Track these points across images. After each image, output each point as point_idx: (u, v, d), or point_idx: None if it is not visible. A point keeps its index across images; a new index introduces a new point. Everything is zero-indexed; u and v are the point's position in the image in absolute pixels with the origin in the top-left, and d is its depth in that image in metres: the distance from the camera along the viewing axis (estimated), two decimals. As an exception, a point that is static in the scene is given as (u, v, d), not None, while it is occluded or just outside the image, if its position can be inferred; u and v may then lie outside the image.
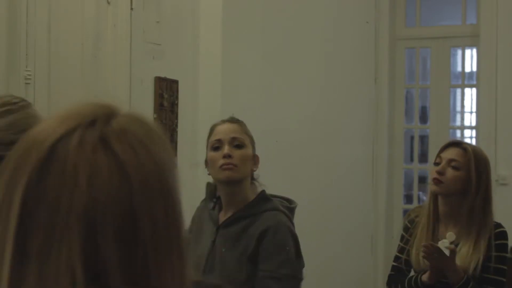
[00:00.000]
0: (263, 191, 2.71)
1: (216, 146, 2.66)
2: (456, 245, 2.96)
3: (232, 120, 2.72)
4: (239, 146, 2.65)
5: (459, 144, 3.07)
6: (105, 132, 0.83)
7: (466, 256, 2.92)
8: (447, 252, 2.85)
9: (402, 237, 3.15)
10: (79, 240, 0.78)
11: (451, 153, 3.02)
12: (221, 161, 2.61)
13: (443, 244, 2.88)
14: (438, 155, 3.06)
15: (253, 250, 2.57)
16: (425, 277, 2.94)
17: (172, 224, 0.84)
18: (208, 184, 2.81)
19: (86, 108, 0.86)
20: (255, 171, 2.72)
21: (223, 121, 2.73)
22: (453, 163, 2.99)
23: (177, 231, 0.85)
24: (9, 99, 1.84)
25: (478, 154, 3.01)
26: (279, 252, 2.56)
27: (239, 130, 2.68)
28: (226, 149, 2.62)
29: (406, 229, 3.15)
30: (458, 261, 2.91)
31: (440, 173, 2.99)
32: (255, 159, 2.70)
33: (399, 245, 3.17)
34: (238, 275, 2.58)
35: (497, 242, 2.95)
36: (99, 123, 0.84)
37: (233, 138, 2.65)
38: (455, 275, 2.89)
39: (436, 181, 2.99)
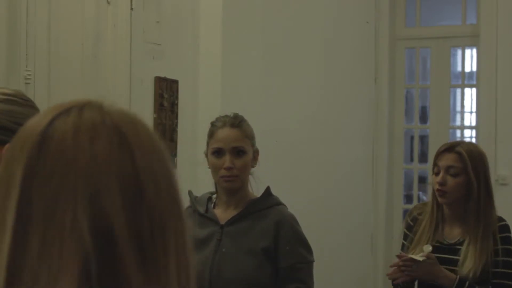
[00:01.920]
0: (268, 188, 2.77)
1: (217, 152, 2.68)
2: (461, 243, 2.97)
3: (233, 124, 2.71)
4: (240, 153, 2.67)
5: (452, 149, 3.03)
6: (102, 108, 0.85)
7: (475, 253, 2.93)
8: (420, 258, 2.87)
9: (406, 235, 3.15)
10: (84, 200, 0.79)
11: (446, 160, 3.01)
12: (223, 172, 2.66)
13: (417, 257, 2.91)
14: (435, 164, 3.05)
15: (269, 244, 2.64)
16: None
17: (174, 201, 0.85)
18: (190, 192, 2.85)
19: (78, 98, 0.89)
20: (254, 167, 2.74)
21: (224, 123, 2.72)
22: (451, 171, 2.99)
23: (178, 213, 0.85)
24: (20, 94, 1.87)
25: (472, 155, 3.00)
26: (300, 244, 2.69)
27: (240, 137, 2.69)
28: (227, 161, 2.65)
29: (409, 227, 3.15)
30: (470, 260, 2.92)
31: (442, 183, 2.99)
32: (255, 155, 2.73)
33: (403, 243, 3.17)
34: (250, 271, 2.62)
35: (501, 235, 2.96)
36: (94, 103, 0.86)
37: (234, 147, 2.67)
38: (446, 280, 2.90)
39: (441, 193, 3.00)
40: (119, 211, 0.79)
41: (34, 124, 0.84)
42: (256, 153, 2.74)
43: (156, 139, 0.86)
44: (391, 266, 2.99)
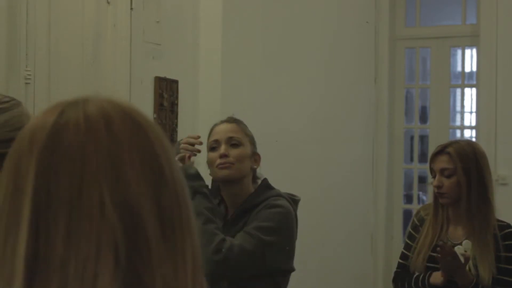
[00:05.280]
0: (265, 179, 2.71)
1: (213, 147, 2.67)
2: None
3: (230, 120, 2.73)
4: (236, 145, 2.65)
5: (443, 150, 3.05)
6: (106, 98, 0.86)
7: (476, 257, 2.91)
8: (462, 259, 2.86)
9: (410, 234, 3.14)
10: (109, 180, 0.78)
11: (439, 163, 3.03)
12: (218, 161, 2.63)
13: (459, 250, 2.88)
14: (431, 167, 3.07)
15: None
16: (434, 279, 2.94)
17: (183, 183, 0.86)
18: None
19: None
20: (256, 169, 2.72)
21: (222, 121, 2.74)
22: (445, 172, 3.01)
23: (187, 196, 0.86)
24: (0, 98, 1.83)
25: (463, 154, 3.00)
26: (267, 219, 2.55)
27: (236, 129, 2.68)
28: (222, 148, 2.63)
29: (414, 226, 3.14)
30: (482, 270, 2.91)
31: (438, 186, 3.00)
32: (255, 157, 2.71)
33: (406, 242, 3.17)
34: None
35: (505, 243, 2.95)
36: (95, 96, 0.87)
37: (230, 138, 2.65)
38: (464, 279, 2.89)
39: (439, 195, 3.02)
40: (144, 188, 0.79)
41: (40, 119, 0.83)
42: (257, 156, 2.72)
43: (156, 123, 0.88)
44: (441, 246, 2.90)
